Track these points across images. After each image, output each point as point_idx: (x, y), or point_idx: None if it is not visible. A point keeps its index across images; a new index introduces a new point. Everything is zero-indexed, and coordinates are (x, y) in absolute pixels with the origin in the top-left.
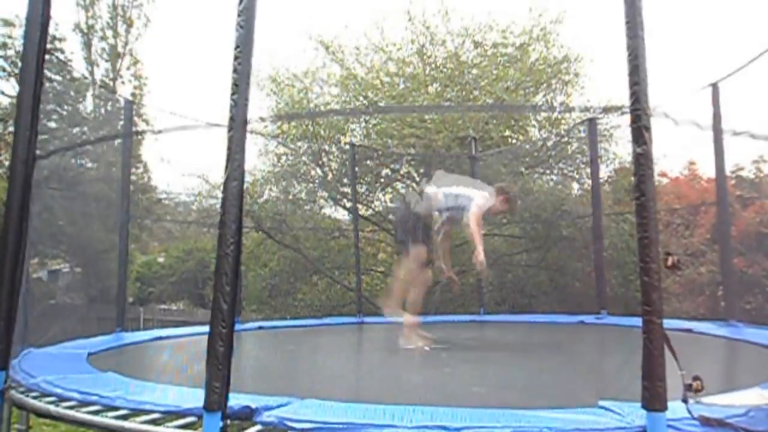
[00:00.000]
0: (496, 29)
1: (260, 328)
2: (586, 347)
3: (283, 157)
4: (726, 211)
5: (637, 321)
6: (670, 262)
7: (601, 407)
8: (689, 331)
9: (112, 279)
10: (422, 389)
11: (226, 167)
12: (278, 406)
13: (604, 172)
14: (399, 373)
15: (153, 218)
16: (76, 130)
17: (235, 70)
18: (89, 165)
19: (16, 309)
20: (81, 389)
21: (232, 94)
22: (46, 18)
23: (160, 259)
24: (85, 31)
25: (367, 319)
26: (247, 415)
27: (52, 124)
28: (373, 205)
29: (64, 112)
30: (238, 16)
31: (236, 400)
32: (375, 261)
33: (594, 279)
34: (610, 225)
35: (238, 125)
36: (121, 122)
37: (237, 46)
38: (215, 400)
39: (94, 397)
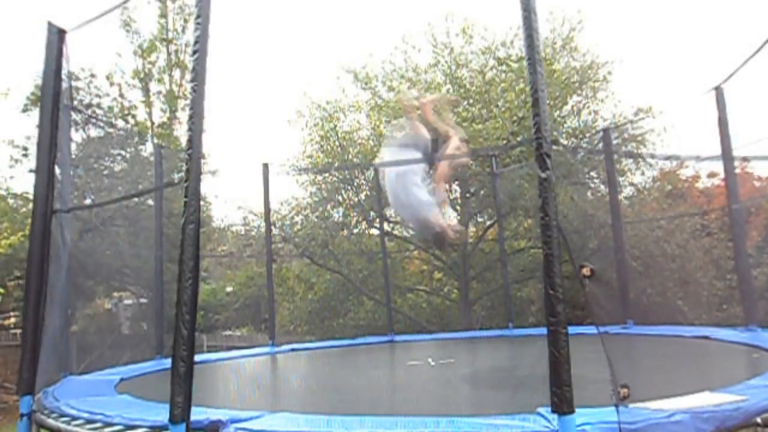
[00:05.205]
0: (518, 45)
1: (293, 350)
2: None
3: (317, 186)
4: (740, 215)
5: (665, 330)
6: (586, 273)
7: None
8: (707, 338)
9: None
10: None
11: (184, 212)
12: (247, 419)
13: (641, 179)
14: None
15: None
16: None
17: (189, 129)
18: (150, 202)
19: (40, 342)
20: (92, 410)
21: (187, 149)
22: (57, 87)
23: (229, 288)
24: (142, 76)
25: (398, 338)
26: (215, 428)
27: (117, 167)
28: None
29: (127, 155)
30: (191, 81)
31: (205, 415)
32: (419, 279)
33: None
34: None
35: (193, 177)
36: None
37: (190, 108)
38: (178, 414)
39: (99, 416)
